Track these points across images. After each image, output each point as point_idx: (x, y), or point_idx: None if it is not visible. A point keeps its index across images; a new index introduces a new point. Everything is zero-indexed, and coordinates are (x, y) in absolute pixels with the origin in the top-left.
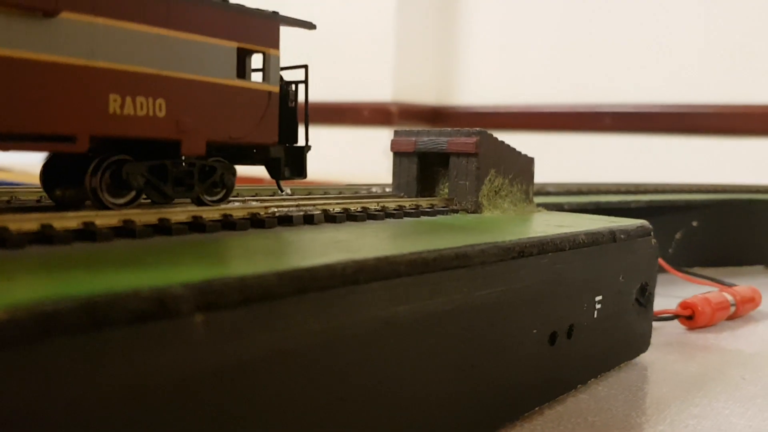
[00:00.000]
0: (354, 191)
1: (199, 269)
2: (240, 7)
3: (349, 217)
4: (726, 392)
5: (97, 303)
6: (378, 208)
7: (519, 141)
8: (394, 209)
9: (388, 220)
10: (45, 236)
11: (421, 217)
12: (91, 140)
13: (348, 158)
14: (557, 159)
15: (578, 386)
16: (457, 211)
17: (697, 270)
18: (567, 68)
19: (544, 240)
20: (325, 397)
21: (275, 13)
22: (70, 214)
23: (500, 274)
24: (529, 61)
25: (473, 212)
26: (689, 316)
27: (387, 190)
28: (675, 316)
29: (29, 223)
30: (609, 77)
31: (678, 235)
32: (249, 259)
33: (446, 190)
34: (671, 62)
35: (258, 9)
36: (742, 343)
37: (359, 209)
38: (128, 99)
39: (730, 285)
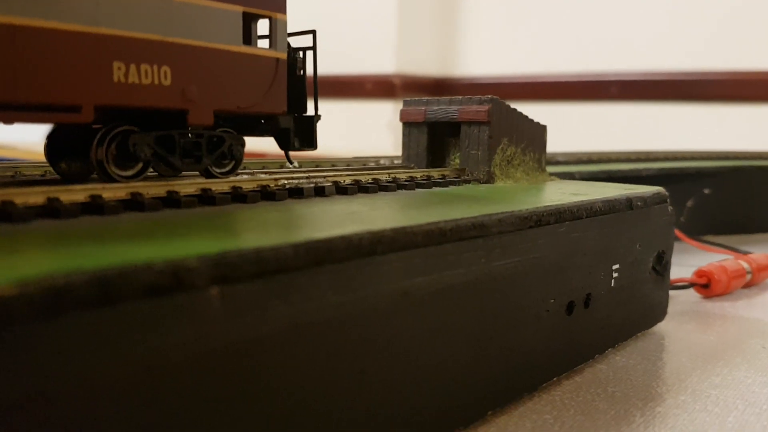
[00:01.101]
0: (363, 163)
1: (212, 242)
2: None
3: (360, 188)
4: (746, 362)
5: (109, 276)
6: (389, 179)
7: (524, 111)
8: (406, 180)
9: (400, 191)
10: (52, 210)
11: (434, 188)
12: (96, 110)
13: (351, 131)
14: (564, 129)
15: (596, 356)
16: (469, 182)
17: (709, 238)
18: (572, 37)
19: (561, 208)
20: (343, 370)
21: None
22: (77, 187)
23: (517, 244)
24: (533, 30)
25: (486, 182)
26: (705, 285)
27: (395, 162)
28: (690, 285)
29: (35, 196)
30: (615, 45)
31: (690, 203)
32: (263, 231)
33: (457, 161)
34: (679, 29)
35: None
36: (760, 312)
37: (371, 181)
38: (132, 67)
39: (745, 252)
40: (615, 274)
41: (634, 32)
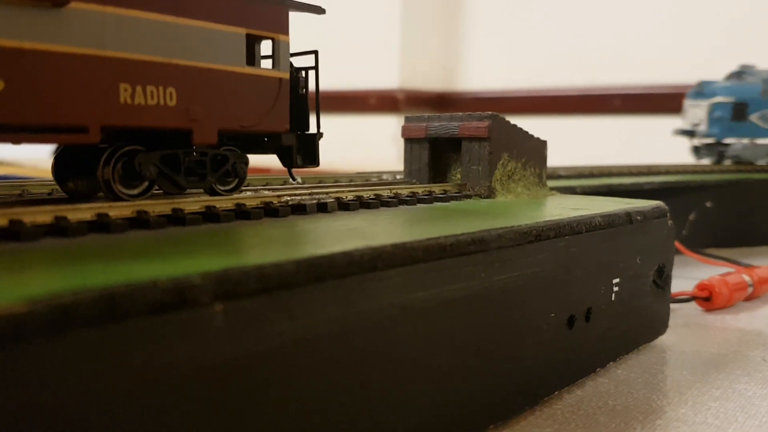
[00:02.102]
0: (365, 179)
1: (216, 258)
2: None
3: (362, 204)
4: (747, 374)
5: (115, 294)
6: (391, 195)
7: (526, 125)
8: (407, 196)
9: (401, 207)
10: (59, 228)
11: (435, 203)
12: (103, 130)
13: (356, 146)
14: (566, 142)
15: (597, 369)
16: (470, 197)
17: (712, 251)
18: (574, 50)
19: (561, 223)
20: (345, 384)
21: None
22: (84, 205)
23: (517, 259)
24: (535, 44)
25: (486, 197)
26: (706, 298)
27: (398, 177)
28: (692, 298)
29: (43, 215)
30: (617, 58)
31: (692, 216)
32: (266, 247)
33: (458, 176)
34: (682, 41)
35: None
36: (761, 324)
37: (372, 196)
38: (138, 88)
39: (747, 265)
40: (615, 288)
41: (636, 46)
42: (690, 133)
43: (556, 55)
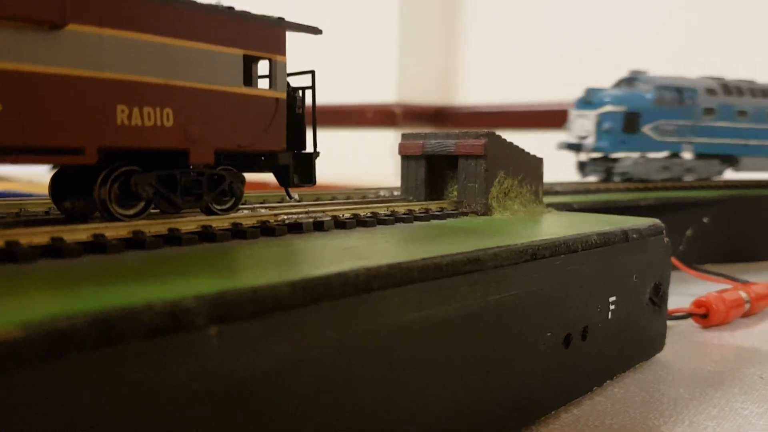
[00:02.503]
0: (362, 195)
1: (211, 281)
2: (245, 14)
3: (359, 222)
4: (744, 392)
5: (110, 318)
6: (388, 212)
7: (524, 139)
8: (404, 214)
9: (398, 224)
10: (56, 249)
11: (431, 220)
12: (99, 152)
13: (354, 160)
14: (563, 157)
15: (594, 388)
16: (466, 214)
17: (709, 267)
18: (572, 65)
19: (557, 242)
20: (341, 406)
21: (281, 19)
22: (81, 226)
23: (513, 277)
24: (532, 59)
25: (483, 214)
26: (703, 315)
27: (395, 193)
28: (689, 315)
29: (39, 236)
30: (616, 73)
31: (689, 232)
32: (261, 268)
33: (455, 193)
34: (684, 55)
35: (263, 15)
36: (758, 341)
37: (369, 214)
38: (135, 110)
39: (744, 282)
40: (612, 306)
41: (635, 59)
42: (576, 147)
43: (554, 69)
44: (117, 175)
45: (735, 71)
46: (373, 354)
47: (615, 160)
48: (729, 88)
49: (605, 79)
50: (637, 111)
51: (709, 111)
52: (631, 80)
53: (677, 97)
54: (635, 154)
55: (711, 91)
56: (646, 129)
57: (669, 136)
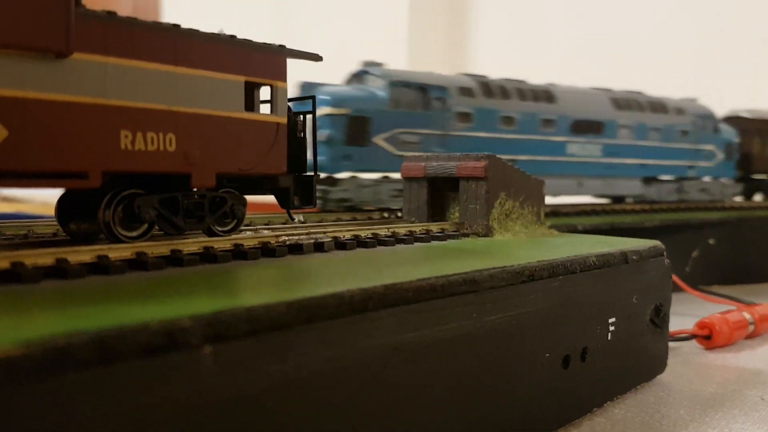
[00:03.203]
0: (366, 216)
1: (208, 300)
2: (247, 42)
3: (359, 243)
4: (744, 413)
5: (107, 337)
6: (388, 234)
7: None
8: (405, 235)
9: (398, 246)
10: (60, 270)
11: (432, 242)
12: (104, 176)
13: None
14: None
15: (594, 409)
16: (467, 235)
17: (715, 288)
18: (581, 69)
19: (555, 263)
20: (335, 426)
21: (282, 47)
22: (84, 248)
23: (510, 299)
24: (541, 63)
25: (484, 236)
26: (707, 336)
27: (398, 215)
28: (692, 336)
29: (44, 257)
30: (625, 71)
31: (695, 254)
32: (258, 289)
33: (457, 214)
34: (688, 60)
35: (265, 43)
36: (761, 363)
37: (369, 235)
38: (139, 135)
39: (749, 303)
40: (611, 328)
41: (646, 71)
42: None
43: (563, 72)
44: (121, 198)
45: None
46: (367, 374)
47: (335, 181)
48: (491, 88)
49: (618, 75)
50: (367, 115)
51: (463, 116)
52: (361, 75)
53: (420, 97)
54: (347, 174)
55: (466, 91)
56: (379, 139)
57: (410, 150)
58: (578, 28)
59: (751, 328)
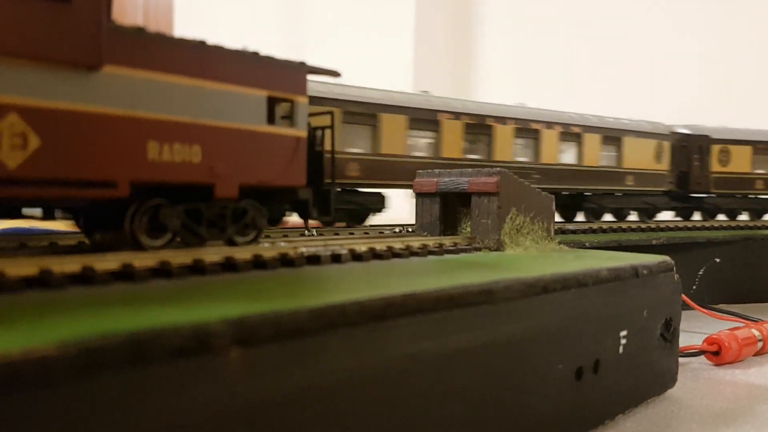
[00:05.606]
0: (379, 231)
1: (234, 306)
2: (270, 59)
3: (374, 255)
4: (756, 428)
5: (140, 338)
6: (403, 247)
7: None
8: (419, 248)
9: (412, 258)
10: (86, 277)
11: (445, 255)
12: (131, 186)
13: None
14: None
15: (606, 422)
16: (479, 249)
17: (722, 306)
18: (584, 93)
19: (567, 275)
20: None
21: (302, 63)
22: (110, 256)
23: (524, 310)
24: (544, 86)
25: (496, 250)
26: (716, 352)
27: (410, 229)
28: (701, 352)
29: (71, 264)
30: (628, 91)
31: (701, 272)
32: (281, 296)
33: (468, 229)
34: (702, 93)
35: (287, 60)
36: None
37: (384, 248)
38: (166, 146)
39: (757, 320)
40: (623, 341)
41: (650, 95)
42: None
43: (566, 92)
44: (147, 208)
45: None
46: (384, 382)
47: None
48: None
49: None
50: None
51: None
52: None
53: None
54: None
55: None
56: None
57: None
58: (584, 54)
59: (760, 345)
